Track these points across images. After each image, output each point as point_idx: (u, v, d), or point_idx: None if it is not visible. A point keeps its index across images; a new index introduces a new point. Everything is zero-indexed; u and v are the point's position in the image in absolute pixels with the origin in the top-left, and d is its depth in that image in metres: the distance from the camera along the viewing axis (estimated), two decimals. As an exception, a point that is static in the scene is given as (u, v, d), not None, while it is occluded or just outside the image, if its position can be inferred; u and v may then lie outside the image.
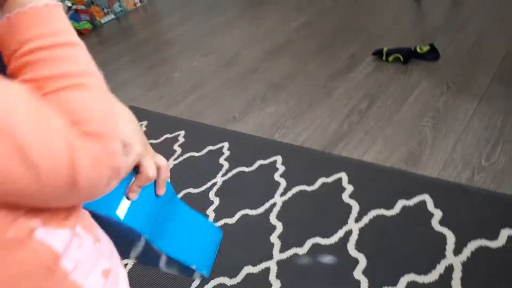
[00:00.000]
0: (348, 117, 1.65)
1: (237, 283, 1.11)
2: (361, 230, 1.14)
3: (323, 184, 1.32)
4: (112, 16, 3.67)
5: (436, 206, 1.14)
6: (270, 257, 1.15)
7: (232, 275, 1.13)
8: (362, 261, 1.06)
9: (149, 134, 1.86)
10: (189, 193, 1.46)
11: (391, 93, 1.73)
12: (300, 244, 1.15)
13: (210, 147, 1.66)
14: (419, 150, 1.39)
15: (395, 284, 0.99)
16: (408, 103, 1.64)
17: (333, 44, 2.26)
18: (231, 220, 1.30)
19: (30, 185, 0.33)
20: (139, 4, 3.94)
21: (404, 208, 1.17)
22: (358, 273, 1.04)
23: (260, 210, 1.30)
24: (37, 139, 0.33)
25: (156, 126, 1.91)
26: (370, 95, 1.75)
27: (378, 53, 1.98)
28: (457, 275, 0.97)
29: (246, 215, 1.30)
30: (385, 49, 1.95)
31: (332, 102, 1.77)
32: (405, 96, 1.68)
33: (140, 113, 2.02)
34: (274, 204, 1.31)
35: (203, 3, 3.55)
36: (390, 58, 1.92)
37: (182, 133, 1.81)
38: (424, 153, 1.37)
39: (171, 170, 1.59)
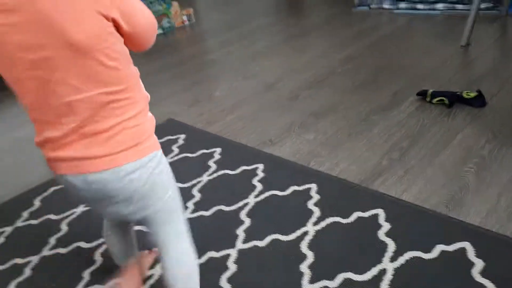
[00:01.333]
0: (388, 153, 1.62)
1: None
2: (396, 270, 1.11)
3: (359, 218, 1.30)
4: (160, 31, 3.80)
5: (477, 255, 1.10)
6: (298, 286, 1.12)
7: (258, 299, 1.10)
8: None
9: (186, 147, 1.88)
10: (221, 210, 1.45)
11: (433, 134, 1.70)
12: (331, 277, 1.12)
13: (245, 167, 1.67)
14: (460, 195, 1.35)
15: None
16: (450, 147, 1.61)
17: (377, 80, 2.26)
18: (260, 243, 1.28)
19: (145, 27, 0.82)
20: (186, 23, 4.07)
21: (442, 253, 1.13)
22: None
23: (292, 236, 1.28)
24: (148, 11, 0.83)
25: (194, 141, 1.93)
26: (411, 134, 1.72)
27: (422, 94, 1.96)
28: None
29: (277, 240, 1.28)
30: (430, 91, 1.93)
31: (372, 136, 1.75)
32: (448, 140, 1.65)
33: (179, 127, 2.06)
34: (306, 233, 1.28)
35: (247, 29, 3.64)
36: (435, 101, 1.90)
37: (218, 150, 1.82)
38: (466, 199, 1.33)
39: (205, 185, 1.60)
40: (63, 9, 0.70)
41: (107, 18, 0.73)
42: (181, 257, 0.95)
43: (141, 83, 0.86)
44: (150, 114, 0.88)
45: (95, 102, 0.77)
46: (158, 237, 0.93)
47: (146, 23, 0.82)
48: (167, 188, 0.90)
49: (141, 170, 0.82)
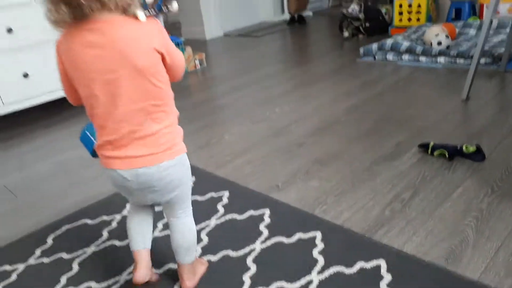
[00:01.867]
0: (391, 204, 1.68)
1: None
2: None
3: (362, 269, 1.34)
4: (173, 74, 3.98)
5: (475, 310, 1.14)
6: (302, 333, 1.15)
7: None
8: None
9: (195, 190, 1.95)
10: (228, 255, 1.51)
11: (434, 187, 1.76)
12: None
13: (252, 212, 1.73)
14: (460, 249, 1.40)
15: None
16: (450, 200, 1.67)
17: (380, 130, 2.35)
18: (266, 290, 1.33)
19: (179, 63, 1.18)
20: (198, 67, 4.25)
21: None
22: None
23: (296, 285, 1.33)
24: (180, 53, 1.19)
25: (203, 183, 2.01)
26: (413, 185, 1.79)
27: (424, 147, 2.04)
28: None
29: (282, 287, 1.33)
30: (431, 144, 2.01)
31: (375, 185, 1.82)
32: (448, 192, 1.71)
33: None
34: (310, 282, 1.33)
35: (257, 75, 3.80)
36: (436, 153, 1.98)
37: (226, 193, 1.89)
38: (465, 253, 1.38)
39: (213, 229, 1.66)
40: (132, 47, 1.05)
41: (158, 52, 1.09)
42: (187, 228, 1.32)
43: (173, 102, 1.20)
44: (179, 126, 1.21)
45: (145, 111, 1.09)
46: (171, 213, 1.29)
47: (180, 59, 1.18)
48: (189, 179, 1.28)
49: (175, 167, 1.16)
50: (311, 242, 1.50)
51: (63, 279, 1.50)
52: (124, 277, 1.47)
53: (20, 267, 1.60)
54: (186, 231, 1.31)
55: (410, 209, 1.64)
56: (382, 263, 1.35)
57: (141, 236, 1.34)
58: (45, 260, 1.63)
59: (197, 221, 1.72)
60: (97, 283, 1.46)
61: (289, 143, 2.34)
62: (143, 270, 1.29)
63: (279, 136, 2.44)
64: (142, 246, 1.33)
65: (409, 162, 1.98)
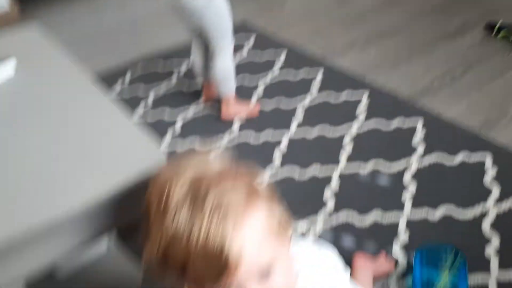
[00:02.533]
0: (442, 77, 1.75)
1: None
2: (419, 168, 1.34)
3: (398, 128, 1.51)
4: None
5: (493, 163, 1.30)
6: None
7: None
8: (412, 189, 1.27)
9: (255, 46, 2.09)
10: (278, 108, 1.68)
11: (489, 66, 1.79)
12: (364, 167, 1.37)
13: (305, 75, 1.86)
14: (497, 120, 1.50)
15: (434, 209, 1.19)
16: (503, 79, 1.71)
17: (448, 7, 2.28)
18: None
19: None
20: None
21: (463, 162, 1.33)
22: (405, 198, 1.25)
23: (338, 132, 1.53)
24: None
25: (263, 42, 2.13)
26: (468, 63, 1.82)
27: (490, 27, 2.00)
28: None
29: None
30: (498, 23, 1.96)
31: (430, 60, 1.87)
32: (502, 72, 1.74)
33: (250, 29, 2.25)
34: (350, 129, 1.52)
35: None
36: (500, 35, 1.94)
37: (284, 53, 2.02)
38: (501, 123, 1.48)
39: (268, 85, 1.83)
40: None
41: None
42: (220, 65, 1.54)
43: None
44: None
45: None
46: (210, 47, 1.52)
47: None
48: (215, 21, 1.46)
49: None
50: (358, 101, 1.65)
51: (141, 106, 1.78)
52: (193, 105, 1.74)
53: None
54: (219, 67, 1.54)
55: (459, 83, 1.71)
56: (420, 120, 1.51)
57: (197, 68, 1.66)
58: (125, 90, 1.91)
59: (255, 73, 1.88)
60: (170, 107, 1.74)
61: (352, 13, 2.34)
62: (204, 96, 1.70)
63: (343, 6, 2.44)
64: (203, 77, 1.66)
65: (470, 41, 1.98)
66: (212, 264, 0.50)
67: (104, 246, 1.06)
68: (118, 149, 0.71)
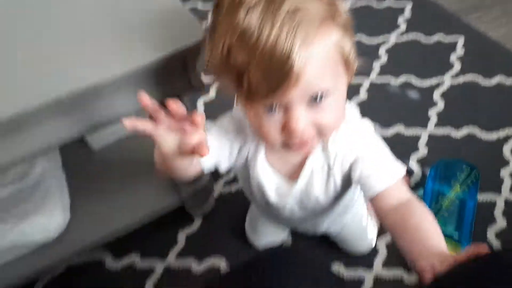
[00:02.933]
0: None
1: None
2: (452, 86, 1.31)
3: (438, 43, 1.45)
4: None
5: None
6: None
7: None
8: (440, 105, 1.26)
9: None
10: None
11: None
12: (396, 77, 1.35)
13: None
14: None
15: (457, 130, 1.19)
16: None
17: None
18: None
19: None
20: None
21: (499, 84, 1.29)
22: (432, 113, 1.25)
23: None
24: None
25: None
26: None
27: None
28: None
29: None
30: None
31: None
32: None
33: None
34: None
35: None
36: None
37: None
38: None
39: None
40: None
41: None
42: None
43: None
44: None
45: None
46: None
47: None
48: None
49: None
50: (399, 11, 1.57)
51: None
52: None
53: None
54: None
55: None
56: (460, 39, 1.44)
57: None
58: None
59: None
60: None
61: None
62: None
63: None
64: None
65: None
66: (275, 70, 0.48)
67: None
68: (156, 21, 0.72)
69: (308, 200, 0.70)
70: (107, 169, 1.06)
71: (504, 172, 1.09)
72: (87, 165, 1.07)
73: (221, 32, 0.52)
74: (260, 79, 0.50)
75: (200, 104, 1.34)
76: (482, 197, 1.05)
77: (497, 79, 1.31)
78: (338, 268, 0.95)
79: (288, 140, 0.57)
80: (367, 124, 0.68)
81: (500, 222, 1.00)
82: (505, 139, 1.16)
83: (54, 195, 0.93)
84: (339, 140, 0.63)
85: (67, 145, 1.06)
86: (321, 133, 0.58)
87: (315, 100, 0.53)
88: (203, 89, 0.77)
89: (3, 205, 0.90)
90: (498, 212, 1.02)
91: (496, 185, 1.07)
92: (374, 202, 0.62)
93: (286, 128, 0.55)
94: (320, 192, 0.69)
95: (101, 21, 0.72)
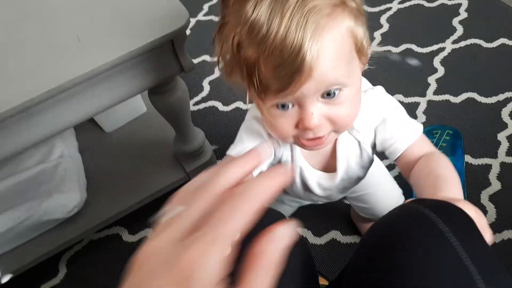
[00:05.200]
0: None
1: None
2: (454, 50, 1.31)
3: (442, 4, 1.43)
4: None
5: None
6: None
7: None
8: (441, 71, 1.27)
9: None
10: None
11: None
12: (396, 45, 1.36)
13: None
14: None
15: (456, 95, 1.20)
16: None
17: None
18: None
19: None
20: None
21: (502, 46, 1.28)
22: (432, 79, 1.26)
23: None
24: None
25: None
26: None
27: None
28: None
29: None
30: None
31: None
32: None
33: None
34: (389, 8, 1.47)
35: None
36: None
37: None
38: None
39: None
40: None
41: None
42: None
43: None
44: None
45: None
46: None
47: None
48: None
49: None
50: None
51: None
52: None
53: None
54: None
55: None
56: (464, 2, 1.42)
57: None
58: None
59: None
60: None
61: None
62: None
63: None
64: None
65: None
66: (286, 63, 0.46)
67: (143, 105, 1.19)
68: (145, 10, 0.77)
69: (350, 181, 0.70)
70: (119, 150, 1.14)
71: (501, 136, 1.11)
72: (101, 148, 1.15)
73: (230, 27, 0.50)
74: (271, 74, 0.47)
75: (206, 83, 1.40)
76: (478, 161, 1.07)
77: (499, 42, 1.29)
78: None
79: (303, 136, 0.54)
80: (380, 90, 0.65)
81: (495, 185, 1.03)
82: (505, 102, 1.16)
83: (72, 176, 1.02)
84: (361, 115, 0.59)
85: (83, 129, 1.16)
86: (337, 128, 0.54)
87: (329, 94, 0.50)
88: (193, 69, 0.82)
89: (28, 185, 1.00)
90: (493, 175, 1.04)
91: (493, 150, 1.09)
92: (399, 162, 0.62)
93: (300, 124, 0.52)
94: (358, 169, 0.68)
95: (98, 13, 0.77)
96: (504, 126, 1.12)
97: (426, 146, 0.61)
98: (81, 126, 1.14)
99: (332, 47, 0.47)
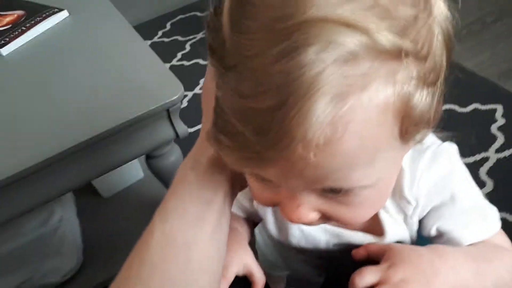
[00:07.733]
0: (471, 25, 1.74)
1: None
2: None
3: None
4: None
5: (504, 115, 1.34)
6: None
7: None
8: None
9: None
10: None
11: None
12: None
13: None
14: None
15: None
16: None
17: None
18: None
19: None
20: None
21: (475, 110, 1.38)
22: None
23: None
24: None
25: None
26: (499, 11, 1.78)
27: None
28: None
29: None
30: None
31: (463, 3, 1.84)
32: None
33: None
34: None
35: None
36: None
37: None
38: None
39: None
40: None
41: None
42: None
43: None
44: None
45: None
46: None
47: None
48: None
49: None
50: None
51: (179, 55, 1.94)
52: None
53: (147, 43, 2.06)
54: None
55: (487, 32, 1.70)
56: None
57: None
58: (165, 39, 2.06)
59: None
60: (204, 60, 1.87)
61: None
62: None
63: None
64: None
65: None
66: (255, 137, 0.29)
67: (141, 171, 1.26)
68: (145, 83, 0.86)
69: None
70: (117, 214, 1.18)
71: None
72: (99, 212, 1.20)
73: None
74: (231, 147, 0.30)
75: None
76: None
77: (473, 106, 1.39)
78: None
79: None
80: (452, 150, 0.47)
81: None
82: (482, 162, 1.23)
83: (69, 240, 1.05)
84: (419, 184, 0.45)
85: (81, 194, 1.21)
86: (340, 223, 0.38)
87: (332, 191, 0.32)
88: (187, 135, 0.90)
89: (28, 249, 1.03)
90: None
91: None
92: None
93: (280, 208, 0.36)
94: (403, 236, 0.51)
95: (99, 83, 0.87)
96: (483, 184, 1.18)
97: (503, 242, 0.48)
98: (80, 191, 1.19)
99: (354, 130, 0.28)
